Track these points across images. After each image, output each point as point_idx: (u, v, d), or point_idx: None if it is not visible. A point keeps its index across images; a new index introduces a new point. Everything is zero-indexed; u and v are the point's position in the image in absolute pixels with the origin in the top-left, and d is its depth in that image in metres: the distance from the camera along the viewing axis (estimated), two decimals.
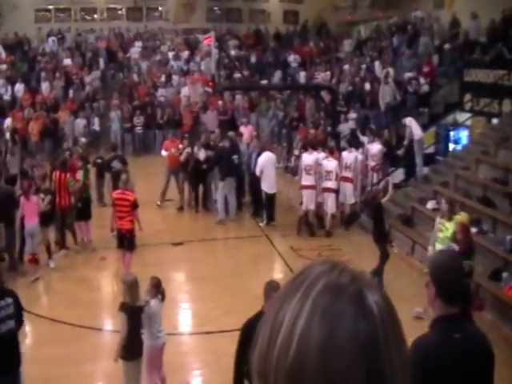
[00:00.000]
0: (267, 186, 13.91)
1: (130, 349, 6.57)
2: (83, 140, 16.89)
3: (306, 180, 13.42)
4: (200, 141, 15.36)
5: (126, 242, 10.57)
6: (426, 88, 17.91)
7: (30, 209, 10.71)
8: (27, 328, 9.49)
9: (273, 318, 0.85)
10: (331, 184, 13.40)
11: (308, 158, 13.54)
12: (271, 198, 14.13)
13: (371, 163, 14.57)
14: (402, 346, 0.87)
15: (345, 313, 0.82)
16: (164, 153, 15.69)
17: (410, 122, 15.05)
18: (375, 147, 14.68)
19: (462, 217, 9.18)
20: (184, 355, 8.41)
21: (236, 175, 14.50)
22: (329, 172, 13.38)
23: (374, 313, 0.83)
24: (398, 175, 15.08)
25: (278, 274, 11.25)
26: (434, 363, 3.01)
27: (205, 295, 10.40)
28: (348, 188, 13.84)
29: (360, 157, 14.18)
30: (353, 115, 18.42)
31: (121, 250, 10.77)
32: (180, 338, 8.89)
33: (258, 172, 13.87)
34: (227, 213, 14.46)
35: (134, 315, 6.60)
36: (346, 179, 13.78)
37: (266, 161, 13.88)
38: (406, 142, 15.02)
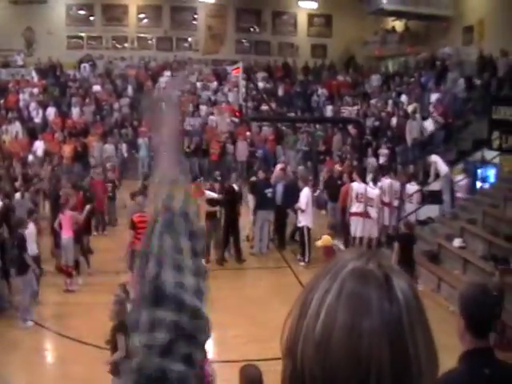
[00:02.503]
0: (310, 221, 13.59)
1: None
2: (109, 164, 17.28)
3: (357, 208, 13.96)
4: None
5: None
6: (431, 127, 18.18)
7: (65, 223, 11.63)
8: (50, 346, 9.58)
9: (303, 298, 0.89)
10: (374, 211, 14.02)
11: (359, 186, 14.12)
12: (309, 233, 13.79)
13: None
14: (428, 335, 0.89)
15: (370, 295, 0.85)
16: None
17: (434, 158, 15.17)
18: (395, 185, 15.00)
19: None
20: None
21: (272, 208, 14.29)
22: (371, 199, 14.01)
23: (400, 298, 0.86)
24: (426, 212, 14.99)
25: None
26: None
27: (226, 323, 10.33)
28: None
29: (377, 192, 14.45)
30: (384, 151, 18.39)
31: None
32: None
33: (303, 206, 13.40)
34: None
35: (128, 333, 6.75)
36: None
37: (308, 196, 13.64)
38: (431, 180, 15.13)
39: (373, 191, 14.16)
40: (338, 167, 17.02)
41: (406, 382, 0.83)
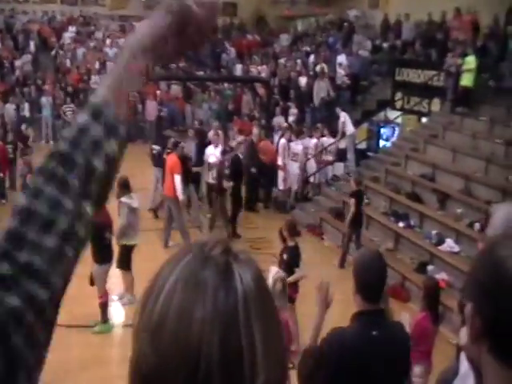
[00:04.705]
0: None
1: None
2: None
3: (281, 161, 14.83)
4: None
5: None
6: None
7: None
8: None
9: (151, 282, 0.87)
10: (296, 165, 15.02)
11: (282, 142, 15.05)
12: None
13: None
14: (270, 330, 0.85)
15: (207, 282, 0.82)
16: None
17: (344, 116, 15.45)
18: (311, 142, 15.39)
19: None
20: None
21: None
22: (296, 154, 15.03)
23: (238, 288, 0.82)
24: (336, 169, 15.46)
25: None
26: (350, 360, 3.11)
27: None
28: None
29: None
30: (294, 110, 18.54)
31: None
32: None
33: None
34: None
35: None
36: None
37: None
38: (338, 137, 15.42)
39: (297, 146, 14.98)
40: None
41: (236, 376, 0.80)
